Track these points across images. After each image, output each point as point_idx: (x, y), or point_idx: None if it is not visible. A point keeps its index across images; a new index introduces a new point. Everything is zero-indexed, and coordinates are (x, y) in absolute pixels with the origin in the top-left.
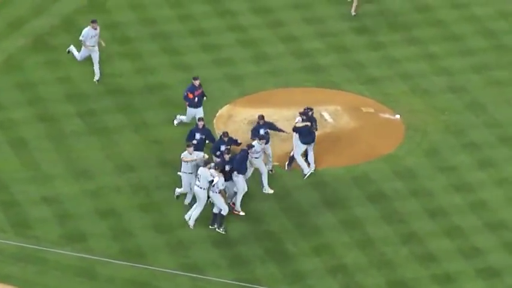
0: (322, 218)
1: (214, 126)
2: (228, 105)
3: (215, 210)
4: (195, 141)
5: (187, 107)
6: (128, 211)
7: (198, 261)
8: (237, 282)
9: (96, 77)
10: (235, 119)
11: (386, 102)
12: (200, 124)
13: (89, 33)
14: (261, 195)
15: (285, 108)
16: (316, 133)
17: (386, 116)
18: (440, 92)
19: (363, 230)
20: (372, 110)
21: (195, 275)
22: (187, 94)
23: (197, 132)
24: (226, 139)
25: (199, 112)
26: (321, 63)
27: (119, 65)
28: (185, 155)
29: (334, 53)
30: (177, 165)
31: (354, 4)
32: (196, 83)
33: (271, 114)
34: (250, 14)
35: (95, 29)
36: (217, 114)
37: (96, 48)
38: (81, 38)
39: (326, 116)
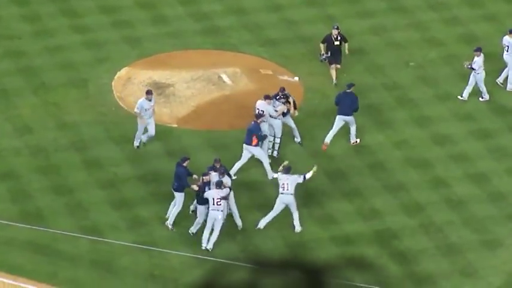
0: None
1: (113, 88)
2: (126, 67)
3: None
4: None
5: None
6: (27, 173)
7: (98, 223)
8: (135, 245)
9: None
10: (133, 81)
11: (285, 65)
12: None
13: (143, 105)
14: (155, 157)
15: (184, 70)
16: (216, 95)
17: (285, 78)
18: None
19: (263, 191)
20: (270, 72)
21: (94, 238)
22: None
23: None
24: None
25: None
26: (220, 25)
27: (17, 26)
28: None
29: (233, 15)
30: (77, 127)
31: None
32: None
33: (169, 77)
34: None
35: (149, 100)
36: (115, 77)
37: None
38: (136, 109)
39: (225, 78)
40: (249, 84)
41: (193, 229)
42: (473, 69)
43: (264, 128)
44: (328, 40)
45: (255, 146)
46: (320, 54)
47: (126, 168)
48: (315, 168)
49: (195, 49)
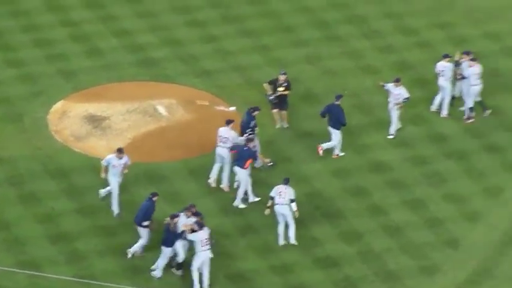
0: (159, 212)
1: (49, 122)
2: (62, 100)
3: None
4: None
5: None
6: None
7: (36, 258)
8: (75, 279)
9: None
10: (69, 114)
11: (221, 95)
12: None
13: (111, 160)
14: (89, 191)
15: (120, 103)
16: (152, 127)
17: (221, 108)
18: None
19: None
20: (206, 103)
21: (32, 272)
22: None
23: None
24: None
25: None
26: (155, 56)
27: None
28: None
29: (168, 47)
30: (13, 162)
31: None
32: (121, 156)
33: (105, 109)
34: (82, 9)
35: (120, 158)
36: (51, 110)
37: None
38: (103, 162)
39: (161, 109)
40: (185, 115)
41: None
42: (464, 77)
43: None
44: (274, 84)
45: (246, 168)
46: (266, 95)
47: (63, 201)
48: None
49: (130, 81)
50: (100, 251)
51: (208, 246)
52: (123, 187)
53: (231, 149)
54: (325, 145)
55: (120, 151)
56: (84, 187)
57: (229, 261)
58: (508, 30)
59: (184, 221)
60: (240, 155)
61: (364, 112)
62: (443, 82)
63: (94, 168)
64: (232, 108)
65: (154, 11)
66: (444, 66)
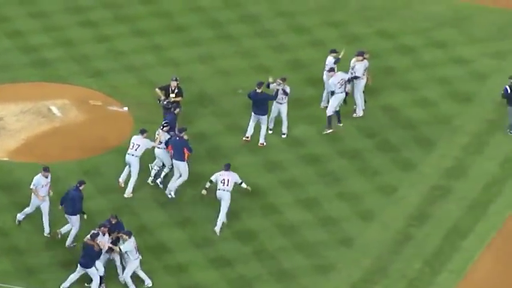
0: (53, 212)
1: None
2: None
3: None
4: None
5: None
6: None
7: None
8: None
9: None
10: None
11: (114, 95)
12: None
13: (40, 181)
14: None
15: (13, 103)
16: (46, 127)
17: (115, 108)
18: (167, 82)
19: (95, 223)
20: (99, 103)
21: None
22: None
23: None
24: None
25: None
26: (48, 57)
27: None
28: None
29: (60, 47)
30: None
31: None
32: (46, 174)
33: None
34: None
35: (46, 177)
36: None
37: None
38: (32, 186)
39: (54, 110)
40: (79, 116)
41: None
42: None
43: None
44: (166, 90)
45: (185, 160)
46: (158, 100)
47: None
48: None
49: (23, 82)
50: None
51: (138, 252)
52: (16, 188)
53: (166, 145)
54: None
55: (46, 170)
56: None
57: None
58: (400, 29)
59: (101, 239)
60: (176, 148)
61: None
62: (325, 77)
63: None
64: (125, 108)
65: (46, 12)
66: (329, 61)
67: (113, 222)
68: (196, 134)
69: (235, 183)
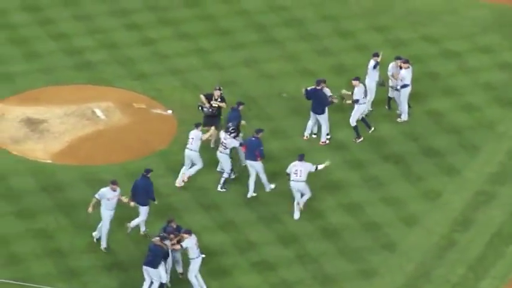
0: (96, 216)
1: None
2: None
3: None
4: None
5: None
6: None
7: None
8: (12, 281)
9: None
10: (7, 118)
11: (158, 98)
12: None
13: (106, 193)
14: (27, 194)
15: (57, 106)
16: (90, 130)
17: (158, 111)
18: (211, 86)
19: (139, 226)
20: (143, 106)
21: None
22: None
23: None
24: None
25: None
26: (92, 59)
27: None
28: None
29: (105, 50)
30: None
31: None
32: (114, 187)
33: (43, 112)
34: (19, 12)
35: (114, 190)
36: None
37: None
38: (96, 196)
39: (98, 112)
40: (123, 119)
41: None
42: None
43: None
44: (209, 99)
45: (259, 161)
46: (201, 106)
47: (1, 204)
48: (327, 163)
49: (68, 84)
50: (37, 254)
51: (199, 250)
52: (59, 190)
53: (241, 144)
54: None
55: (114, 183)
56: (22, 190)
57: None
58: (445, 34)
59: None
60: (250, 149)
61: (301, 115)
62: (367, 80)
63: (32, 171)
64: (169, 112)
65: (91, 14)
66: (370, 65)
67: (174, 226)
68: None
69: (310, 172)
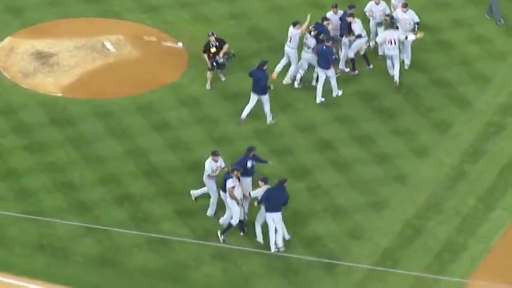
0: (107, 148)
1: None
2: (9, 37)
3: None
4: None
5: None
6: None
7: None
8: (23, 215)
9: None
10: (17, 51)
11: (169, 31)
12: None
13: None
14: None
15: (67, 39)
16: (100, 63)
17: (169, 44)
18: (222, 18)
19: (148, 159)
20: (154, 39)
21: None
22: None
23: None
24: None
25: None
26: None
27: None
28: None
29: None
30: None
31: None
32: (216, 158)
33: (53, 46)
34: None
35: (216, 161)
36: None
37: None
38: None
39: (108, 45)
40: (133, 52)
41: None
42: None
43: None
44: (208, 47)
45: (330, 69)
46: (213, 62)
47: (12, 138)
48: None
49: (77, 17)
50: (48, 188)
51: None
52: (69, 123)
53: (312, 48)
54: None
55: (215, 154)
56: (33, 124)
57: (177, 197)
58: None
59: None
60: (322, 56)
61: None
62: (288, 49)
63: (42, 104)
64: (180, 44)
65: None
66: (291, 33)
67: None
68: (249, 67)
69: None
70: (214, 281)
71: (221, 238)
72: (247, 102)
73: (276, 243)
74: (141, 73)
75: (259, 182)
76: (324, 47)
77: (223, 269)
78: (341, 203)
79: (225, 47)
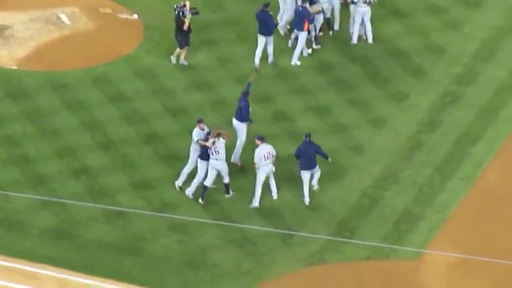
0: (63, 121)
1: None
2: None
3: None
4: None
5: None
6: None
7: None
8: None
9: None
10: None
11: (123, 3)
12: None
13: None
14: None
15: (22, 11)
16: (55, 35)
17: (124, 16)
18: None
19: (105, 131)
20: (109, 11)
21: None
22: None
23: None
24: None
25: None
26: None
27: None
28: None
29: None
30: None
31: None
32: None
33: (7, 18)
34: None
35: (202, 129)
36: None
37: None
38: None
39: (63, 18)
40: (88, 24)
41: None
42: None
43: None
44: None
45: (304, 31)
46: (194, 11)
47: None
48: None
49: None
50: (4, 161)
51: (270, 160)
52: (25, 96)
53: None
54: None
55: (200, 121)
56: None
57: (133, 169)
58: None
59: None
60: (297, 18)
61: None
62: None
63: None
64: (135, 16)
65: None
66: None
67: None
68: (206, 42)
69: None
70: (171, 253)
71: (203, 201)
72: (256, 47)
73: (308, 196)
74: (96, 45)
75: (256, 141)
76: (300, 8)
77: (180, 241)
78: (297, 174)
79: (188, 4)
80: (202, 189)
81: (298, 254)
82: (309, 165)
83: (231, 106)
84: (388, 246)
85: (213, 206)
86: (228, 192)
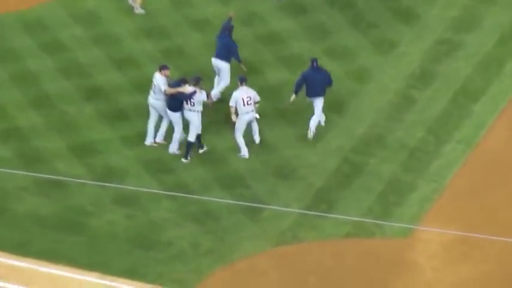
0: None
1: None
2: None
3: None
4: None
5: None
6: None
7: None
8: None
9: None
10: None
11: None
12: None
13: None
14: None
15: None
16: None
17: None
18: None
19: (38, 86)
20: None
21: None
22: None
23: None
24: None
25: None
26: None
27: None
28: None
29: None
30: None
31: None
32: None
33: None
34: None
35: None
36: None
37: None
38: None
39: None
40: None
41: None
42: None
43: None
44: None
45: None
46: None
47: None
48: None
49: None
50: None
51: (251, 107)
52: None
53: None
54: None
55: (163, 68)
56: None
57: (73, 131)
58: None
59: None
60: None
61: None
62: None
63: None
64: None
65: None
66: None
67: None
68: None
69: None
70: (117, 229)
71: (186, 161)
72: None
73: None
74: None
75: (238, 82)
76: None
77: (128, 216)
78: (267, 136)
79: None
80: (186, 146)
81: (268, 231)
82: (316, 93)
83: (187, 57)
84: (373, 221)
85: (167, 175)
86: (201, 147)
